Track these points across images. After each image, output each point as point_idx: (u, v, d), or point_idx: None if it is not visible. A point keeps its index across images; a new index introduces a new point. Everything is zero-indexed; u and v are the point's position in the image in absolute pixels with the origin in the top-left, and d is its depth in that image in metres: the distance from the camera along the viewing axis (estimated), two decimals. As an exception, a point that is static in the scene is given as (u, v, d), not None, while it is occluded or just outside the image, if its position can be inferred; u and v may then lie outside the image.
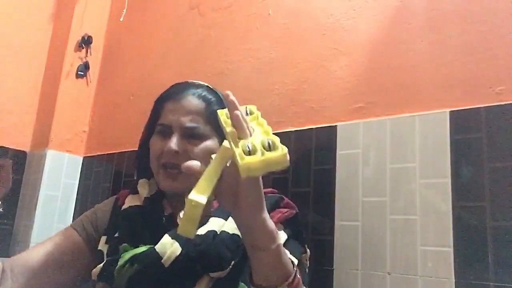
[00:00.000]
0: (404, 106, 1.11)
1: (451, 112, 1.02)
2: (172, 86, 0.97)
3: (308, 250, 0.91)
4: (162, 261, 0.76)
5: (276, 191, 0.95)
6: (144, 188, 0.94)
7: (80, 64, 2.02)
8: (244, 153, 0.55)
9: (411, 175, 1.04)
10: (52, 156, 1.88)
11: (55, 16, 2.12)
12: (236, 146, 0.57)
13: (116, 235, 0.87)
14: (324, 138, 1.21)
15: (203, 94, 0.92)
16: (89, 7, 2.09)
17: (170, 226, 0.84)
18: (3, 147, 1.90)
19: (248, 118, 0.68)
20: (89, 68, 2.04)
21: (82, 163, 1.98)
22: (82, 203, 1.90)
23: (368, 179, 1.10)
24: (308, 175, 1.21)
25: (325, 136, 1.21)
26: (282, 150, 0.55)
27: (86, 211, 0.99)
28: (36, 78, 2.05)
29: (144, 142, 0.96)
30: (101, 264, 0.84)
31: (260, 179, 0.61)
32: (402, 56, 1.14)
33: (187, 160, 0.84)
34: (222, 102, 0.93)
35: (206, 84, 0.97)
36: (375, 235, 1.06)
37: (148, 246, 0.80)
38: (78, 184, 1.95)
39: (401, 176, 1.05)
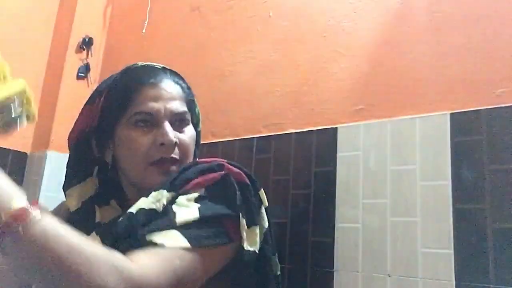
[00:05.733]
0: (405, 108, 1.11)
1: (452, 114, 1.02)
2: (135, 69, 0.85)
3: (243, 220, 0.74)
4: None
5: (220, 159, 0.80)
6: (73, 200, 0.84)
7: (81, 66, 2.02)
8: None
9: (411, 177, 1.04)
10: (52, 158, 1.88)
11: (56, 17, 2.12)
12: None
13: None
14: (325, 140, 1.21)
15: (176, 79, 0.86)
16: (90, 9, 2.09)
17: (104, 235, 0.76)
18: (3, 148, 1.90)
19: None
20: (90, 69, 2.04)
21: (83, 165, 1.98)
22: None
23: (369, 181, 1.10)
24: (308, 177, 1.21)
25: (326, 138, 1.21)
26: None
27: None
28: (36, 80, 2.04)
29: (87, 136, 0.84)
30: None
31: None
32: (403, 58, 1.14)
33: (181, 152, 0.79)
34: (188, 85, 0.89)
35: (168, 68, 0.90)
36: (375, 237, 1.06)
37: None
38: (79, 185, 1.95)
39: (401, 178, 1.05)
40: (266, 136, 1.35)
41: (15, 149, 1.93)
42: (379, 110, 1.15)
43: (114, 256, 0.58)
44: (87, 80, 2.06)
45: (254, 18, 1.52)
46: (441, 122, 1.03)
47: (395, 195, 1.05)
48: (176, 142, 0.79)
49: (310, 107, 1.29)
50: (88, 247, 0.56)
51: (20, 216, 0.53)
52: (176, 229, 0.66)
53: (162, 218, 0.68)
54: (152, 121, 0.79)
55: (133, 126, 0.80)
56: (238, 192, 0.75)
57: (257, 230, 0.78)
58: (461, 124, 1.00)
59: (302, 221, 1.18)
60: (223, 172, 0.76)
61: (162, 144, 0.78)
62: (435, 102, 1.06)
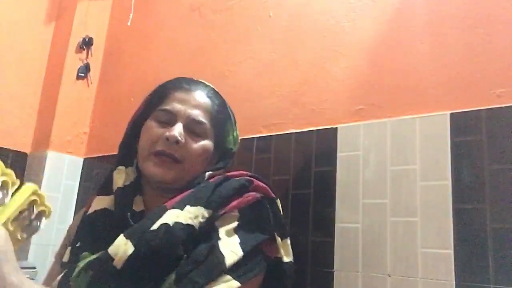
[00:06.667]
0: (405, 108, 1.11)
1: (452, 114, 1.02)
2: (180, 78, 0.94)
3: (278, 238, 0.82)
4: (114, 263, 0.72)
5: (246, 173, 0.87)
6: (121, 176, 0.89)
7: (81, 66, 2.02)
8: None
9: (411, 177, 1.04)
10: (52, 158, 1.88)
11: (56, 17, 2.12)
12: None
13: (78, 244, 0.82)
14: (325, 140, 1.21)
15: (210, 94, 0.92)
16: (90, 9, 2.09)
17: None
18: (3, 148, 1.90)
19: None
20: (90, 69, 2.05)
21: (83, 165, 1.98)
22: (83, 205, 1.89)
23: (369, 181, 1.10)
24: (308, 177, 1.21)
25: (326, 138, 1.21)
26: None
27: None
28: (37, 80, 2.05)
29: (135, 125, 0.92)
30: (60, 276, 0.79)
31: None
32: (403, 58, 1.14)
33: (184, 154, 0.84)
34: (225, 107, 0.94)
35: (212, 86, 0.97)
36: (375, 237, 1.06)
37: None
38: (79, 185, 1.95)
39: (401, 178, 1.05)
40: (266, 136, 1.35)
41: (15, 149, 1.93)
42: (379, 110, 1.15)
43: None
44: (87, 80, 2.06)
45: (254, 18, 1.52)
46: (441, 122, 1.03)
47: (395, 195, 1.05)
48: (179, 141, 0.83)
49: (310, 107, 1.29)
50: None
51: None
52: (227, 274, 0.72)
53: (212, 262, 0.73)
54: (170, 120, 0.86)
55: (155, 119, 0.88)
56: (270, 214, 0.82)
57: (289, 241, 0.86)
58: (461, 124, 1.00)
59: (302, 221, 1.18)
60: (256, 194, 0.81)
61: (167, 139, 0.83)
62: (435, 102, 1.06)
